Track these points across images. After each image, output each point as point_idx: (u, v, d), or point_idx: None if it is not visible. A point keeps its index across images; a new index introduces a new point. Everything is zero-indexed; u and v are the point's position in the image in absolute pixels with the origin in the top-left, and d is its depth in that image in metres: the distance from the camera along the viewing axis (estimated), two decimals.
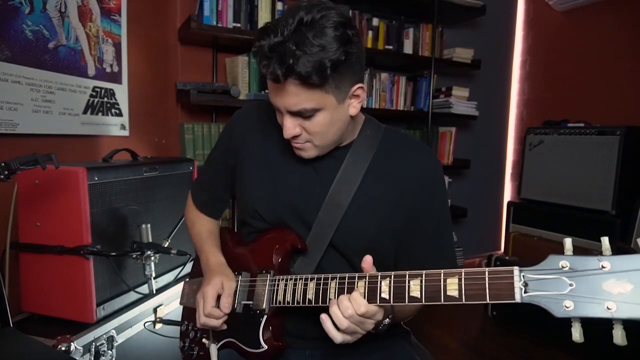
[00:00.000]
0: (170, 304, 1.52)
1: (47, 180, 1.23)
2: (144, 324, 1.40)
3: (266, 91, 2.26)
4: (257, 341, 0.90)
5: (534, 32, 3.34)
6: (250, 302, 0.92)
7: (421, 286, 0.68)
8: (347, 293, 0.76)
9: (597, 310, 0.54)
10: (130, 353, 1.34)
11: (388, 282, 0.72)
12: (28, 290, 1.30)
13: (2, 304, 1.01)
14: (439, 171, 0.95)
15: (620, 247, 2.12)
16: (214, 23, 2.09)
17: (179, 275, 1.59)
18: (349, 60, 0.77)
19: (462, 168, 3.17)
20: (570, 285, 0.56)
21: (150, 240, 1.33)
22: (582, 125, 2.58)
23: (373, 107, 2.72)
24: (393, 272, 0.72)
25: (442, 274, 0.67)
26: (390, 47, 2.70)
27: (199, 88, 2.10)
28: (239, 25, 2.15)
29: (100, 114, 1.85)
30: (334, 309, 0.73)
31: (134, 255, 1.29)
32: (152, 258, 1.32)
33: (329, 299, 0.78)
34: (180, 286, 1.57)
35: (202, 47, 2.32)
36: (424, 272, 0.69)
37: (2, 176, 1.00)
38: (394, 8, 2.72)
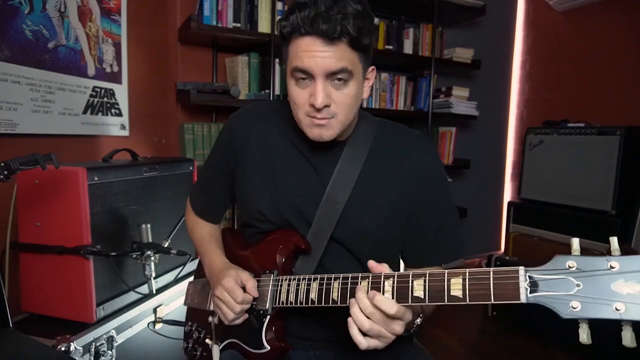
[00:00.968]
0: (170, 304, 1.52)
1: (47, 180, 1.23)
2: (147, 325, 1.40)
3: (266, 91, 2.27)
4: (259, 342, 0.90)
5: (534, 32, 3.34)
6: (254, 303, 0.91)
7: (425, 286, 0.68)
8: (350, 294, 0.75)
9: (605, 312, 0.53)
10: (130, 353, 1.34)
11: (391, 282, 0.71)
12: (28, 290, 1.30)
13: (2, 304, 1.01)
14: (436, 159, 0.96)
15: (627, 249, 2.12)
16: (214, 23, 2.09)
17: (179, 275, 1.58)
18: (374, 34, 0.82)
19: (462, 168, 3.17)
20: (578, 285, 0.55)
21: (150, 240, 1.33)
22: (582, 125, 2.58)
23: (373, 107, 2.72)
24: (396, 272, 0.72)
25: (445, 274, 0.66)
26: (390, 47, 2.70)
27: (199, 88, 2.10)
28: (239, 25, 2.15)
29: (100, 114, 1.85)
30: (354, 310, 0.71)
31: (134, 255, 1.29)
32: (152, 258, 1.32)
33: (332, 299, 0.78)
34: (180, 286, 1.57)
35: (202, 47, 2.32)
36: (427, 271, 0.69)
37: (2, 176, 1.00)
38: (394, 8, 2.72)
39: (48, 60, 1.59)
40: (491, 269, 0.62)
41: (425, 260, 0.94)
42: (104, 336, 1.23)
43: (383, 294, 0.71)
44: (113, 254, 1.22)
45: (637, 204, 2.19)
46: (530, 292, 0.58)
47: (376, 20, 2.65)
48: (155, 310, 1.44)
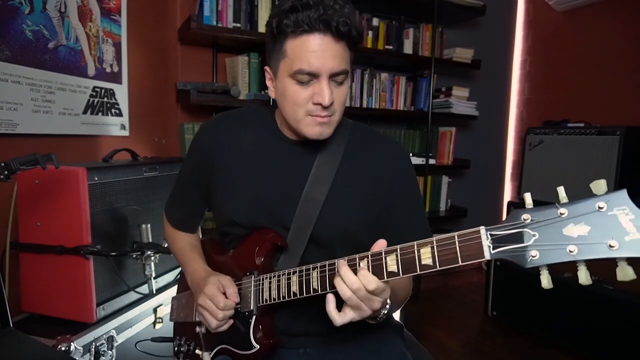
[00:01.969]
0: (170, 304, 1.52)
1: (47, 180, 1.23)
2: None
3: (266, 91, 2.26)
4: (249, 342, 0.91)
5: (534, 32, 3.34)
6: (238, 306, 0.92)
7: (397, 260, 0.71)
8: (329, 280, 0.78)
9: (560, 255, 0.56)
10: (130, 353, 1.34)
11: (366, 261, 0.74)
12: (28, 290, 1.30)
13: (2, 304, 1.01)
14: (407, 157, 1.00)
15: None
16: (214, 23, 2.09)
17: (179, 275, 1.58)
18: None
19: (462, 168, 3.17)
20: (534, 235, 0.59)
21: (150, 240, 1.33)
22: (582, 125, 2.57)
23: (373, 107, 2.72)
24: (370, 252, 0.75)
25: (415, 245, 0.70)
26: (390, 47, 2.70)
27: (199, 88, 2.10)
28: (239, 25, 2.15)
29: (100, 114, 1.85)
30: (337, 281, 0.74)
31: (134, 255, 1.29)
32: (152, 258, 1.32)
33: (313, 289, 0.80)
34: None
35: (202, 47, 2.32)
36: (398, 246, 0.72)
37: (2, 176, 1.00)
38: (394, 8, 2.72)
39: (48, 60, 1.59)
40: (455, 233, 0.66)
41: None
42: (104, 336, 1.23)
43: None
44: (113, 254, 1.22)
45: (637, 204, 2.19)
46: (493, 249, 0.62)
47: (376, 20, 2.65)
48: (155, 310, 1.45)
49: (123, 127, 1.98)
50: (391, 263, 0.71)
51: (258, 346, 0.90)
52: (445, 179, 3.09)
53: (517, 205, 2.84)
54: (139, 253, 1.29)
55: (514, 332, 2.41)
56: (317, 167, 0.92)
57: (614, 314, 1.95)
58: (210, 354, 0.98)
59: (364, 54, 2.60)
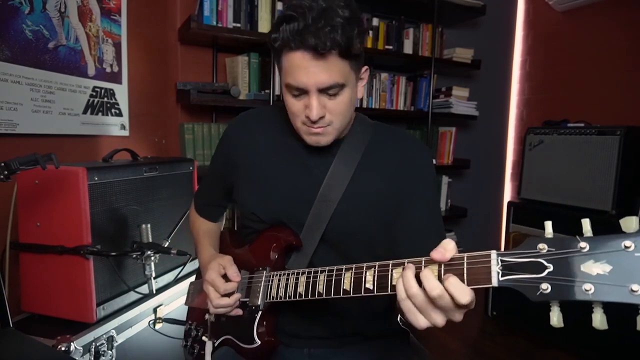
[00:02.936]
0: (170, 304, 1.52)
1: (47, 180, 1.23)
2: (148, 323, 1.41)
3: (266, 91, 2.27)
4: (251, 337, 0.92)
5: (534, 32, 3.34)
6: (247, 299, 0.93)
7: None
8: (334, 286, 0.76)
9: (574, 293, 0.51)
10: (130, 353, 1.34)
11: (372, 272, 0.72)
12: (28, 290, 1.30)
13: (2, 304, 1.01)
14: (427, 158, 0.98)
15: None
16: (214, 23, 2.09)
17: (179, 275, 1.59)
18: (365, 37, 0.82)
19: (462, 168, 3.17)
20: (548, 267, 0.54)
21: (150, 240, 1.33)
22: (582, 125, 2.57)
23: (373, 107, 2.72)
24: (377, 263, 0.72)
25: (423, 262, 0.66)
26: (390, 47, 2.70)
27: (199, 88, 2.10)
28: (239, 25, 2.15)
29: (100, 114, 1.85)
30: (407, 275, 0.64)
31: (134, 255, 1.29)
32: (152, 258, 1.32)
33: (318, 292, 0.79)
34: (180, 286, 1.57)
35: (202, 47, 2.32)
36: (406, 260, 0.68)
37: (2, 176, 1.00)
38: (394, 8, 2.72)
39: (48, 60, 1.59)
40: (465, 254, 0.62)
41: (417, 249, 0.94)
42: (104, 336, 1.23)
43: (365, 285, 0.71)
44: (113, 254, 1.22)
45: (637, 204, 2.19)
46: (502, 276, 0.57)
47: (376, 20, 2.65)
48: (155, 310, 1.45)
49: (123, 127, 1.98)
50: (397, 276, 0.68)
51: (259, 342, 0.91)
52: (445, 179, 3.09)
53: (517, 205, 2.84)
54: (139, 253, 1.29)
55: (514, 332, 2.41)
56: (335, 168, 0.93)
57: (614, 313, 1.95)
58: (214, 343, 0.99)
59: (364, 54, 2.60)
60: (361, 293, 0.72)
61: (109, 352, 1.23)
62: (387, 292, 0.69)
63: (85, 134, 1.80)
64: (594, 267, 0.51)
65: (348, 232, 0.93)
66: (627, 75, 2.70)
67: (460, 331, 2.46)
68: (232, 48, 2.35)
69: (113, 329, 1.26)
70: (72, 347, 1.09)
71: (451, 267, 0.62)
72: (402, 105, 2.84)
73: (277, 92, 2.27)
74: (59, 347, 1.06)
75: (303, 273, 0.84)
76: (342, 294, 0.75)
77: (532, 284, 0.54)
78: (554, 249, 0.54)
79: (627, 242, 0.49)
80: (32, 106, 1.54)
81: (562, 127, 2.60)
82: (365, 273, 0.72)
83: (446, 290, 0.60)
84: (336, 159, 0.94)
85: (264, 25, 2.19)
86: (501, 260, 0.58)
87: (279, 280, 0.89)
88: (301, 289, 0.83)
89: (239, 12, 2.14)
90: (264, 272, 0.93)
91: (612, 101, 2.78)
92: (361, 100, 2.70)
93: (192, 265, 1.65)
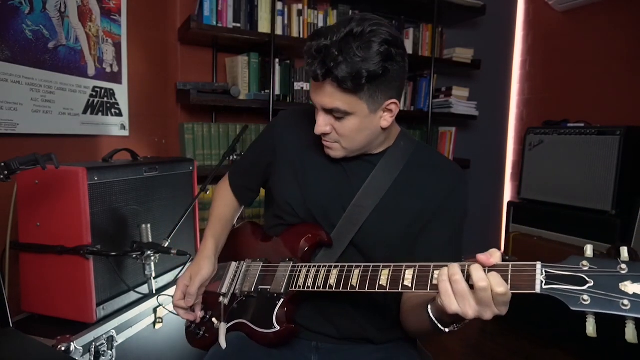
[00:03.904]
0: (170, 304, 1.52)
1: (47, 180, 1.23)
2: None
3: (266, 91, 2.27)
4: (270, 322, 0.94)
5: (534, 32, 3.34)
6: (268, 287, 0.97)
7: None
8: (369, 281, 0.79)
9: (612, 307, 0.58)
10: (130, 353, 1.34)
11: (412, 271, 0.75)
12: (28, 290, 1.30)
13: (2, 304, 1.01)
14: (460, 185, 1.01)
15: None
16: (214, 23, 2.09)
17: (179, 275, 1.58)
18: (386, 75, 0.83)
19: (462, 168, 3.16)
20: (589, 282, 0.60)
21: (150, 240, 1.33)
22: (582, 125, 2.58)
23: None
24: (418, 263, 0.76)
25: (467, 266, 0.69)
26: None
27: (199, 88, 2.10)
28: (239, 25, 2.15)
29: (100, 114, 1.85)
30: (452, 271, 0.68)
31: (134, 255, 1.29)
32: (152, 258, 1.32)
33: (351, 285, 0.82)
34: None
35: (202, 47, 2.32)
36: (449, 264, 0.71)
37: (2, 176, 1.00)
38: (394, 8, 2.72)
39: (48, 60, 1.59)
40: (510, 263, 0.67)
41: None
42: (104, 336, 1.23)
43: (403, 282, 0.75)
44: (113, 254, 1.22)
45: (637, 204, 2.19)
46: (545, 285, 0.63)
47: None
48: (155, 310, 1.44)
49: (123, 127, 1.98)
50: (437, 276, 0.71)
51: (278, 327, 0.93)
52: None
53: (517, 205, 2.84)
54: (139, 253, 1.28)
55: (514, 332, 2.41)
56: (372, 179, 0.97)
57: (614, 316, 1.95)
58: (226, 325, 1.02)
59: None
60: (398, 289, 0.76)
61: (109, 352, 1.23)
62: (427, 290, 0.73)
63: (85, 134, 1.80)
64: (631, 287, 0.58)
65: (376, 240, 0.96)
66: (627, 75, 2.70)
67: (460, 331, 2.45)
68: (232, 48, 2.35)
69: (113, 329, 1.26)
70: (72, 347, 1.09)
71: (497, 271, 0.67)
72: (402, 105, 2.82)
73: (277, 92, 2.27)
74: (59, 347, 1.06)
75: (336, 267, 0.87)
76: (377, 289, 0.78)
77: (573, 295, 0.61)
78: (595, 267, 0.61)
79: None
80: (32, 106, 1.54)
81: (562, 127, 2.60)
82: (405, 271, 0.76)
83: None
84: (376, 169, 0.98)
85: (264, 25, 2.19)
86: (545, 271, 0.64)
87: (308, 271, 0.91)
88: (333, 280, 0.85)
89: (239, 12, 2.15)
90: (291, 262, 0.97)
91: (612, 101, 2.78)
92: None
93: None
